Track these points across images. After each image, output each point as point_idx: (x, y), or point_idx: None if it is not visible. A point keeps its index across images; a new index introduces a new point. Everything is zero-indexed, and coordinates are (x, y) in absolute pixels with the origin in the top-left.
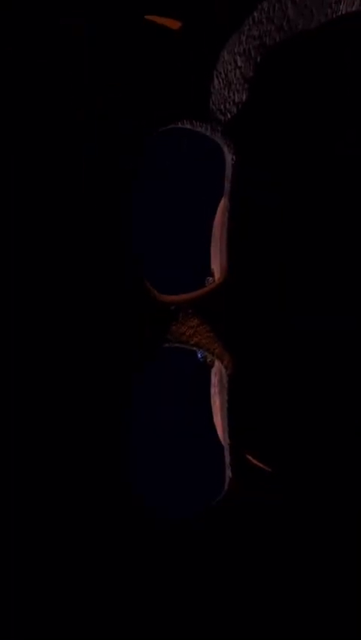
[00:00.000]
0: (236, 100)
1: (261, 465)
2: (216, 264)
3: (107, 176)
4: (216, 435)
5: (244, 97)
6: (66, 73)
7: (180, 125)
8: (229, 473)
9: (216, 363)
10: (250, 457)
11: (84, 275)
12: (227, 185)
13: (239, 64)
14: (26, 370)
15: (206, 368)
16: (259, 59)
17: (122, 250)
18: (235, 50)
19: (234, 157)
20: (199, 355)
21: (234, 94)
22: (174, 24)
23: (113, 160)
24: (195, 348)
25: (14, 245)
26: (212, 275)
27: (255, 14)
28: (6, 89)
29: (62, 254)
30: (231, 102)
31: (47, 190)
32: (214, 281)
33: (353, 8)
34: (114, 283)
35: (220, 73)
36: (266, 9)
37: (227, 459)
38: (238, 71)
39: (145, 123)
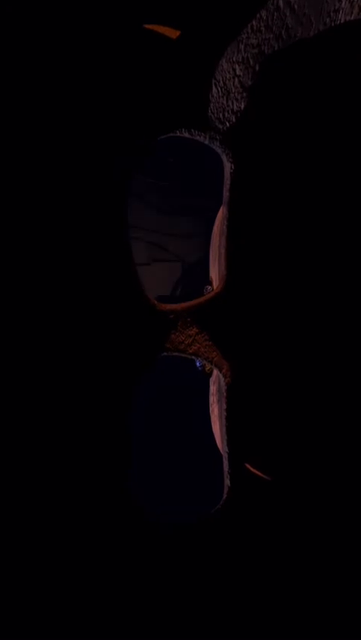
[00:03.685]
0: (235, 109)
1: (260, 474)
2: (215, 273)
3: (107, 179)
4: (215, 444)
5: (242, 106)
6: (66, 73)
7: (178, 134)
8: (227, 482)
9: (215, 371)
10: (248, 466)
11: (82, 284)
12: (226, 194)
13: (238, 72)
14: (25, 379)
15: (204, 377)
16: (257, 68)
17: (120, 258)
18: (234, 59)
19: (232, 166)
20: (198, 364)
21: (232, 103)
22: (173, 33)
23: (113, 162)
24: (193, 357)
25: (12, 248)
26: (210, 283)
27: (253, 23)
28: (6, 89)
29: (59, 262)
30: (229, 111)
31: (46, 193)
32: (213, 289)
33: (352, 17)
34: (113, 292)
35: (219, 82)
36: (265, 17)
37: (226, 468)
38: (236, 79)
39: (144, 130)
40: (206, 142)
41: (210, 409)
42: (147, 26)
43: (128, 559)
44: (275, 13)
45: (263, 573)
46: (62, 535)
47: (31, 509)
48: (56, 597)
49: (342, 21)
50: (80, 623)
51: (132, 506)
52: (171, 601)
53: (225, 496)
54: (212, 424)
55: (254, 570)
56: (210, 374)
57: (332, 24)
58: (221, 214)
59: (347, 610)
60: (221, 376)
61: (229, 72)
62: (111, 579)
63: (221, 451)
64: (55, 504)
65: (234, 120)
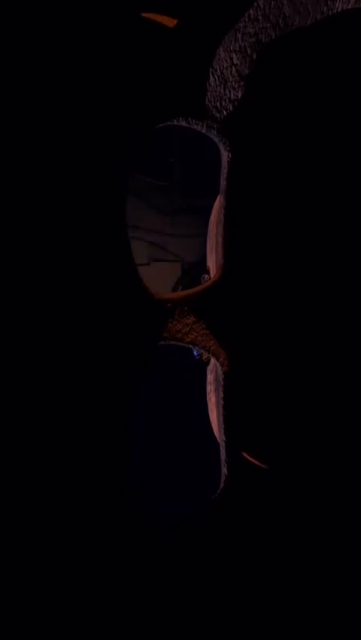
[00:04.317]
0: (232, 97)
1: (257, 463)
2: (212, 262)
3: (107, 176)
4: (212, 432)
5: (239, 94)
6: (65, 67)
7: (175, 122)
8: (224, 470)
9: (212, 360)
10: (245, 454)
11: (79, 274)
12: (223, 183)
13: (235, 61)
14: (21, 371)
15: (202, 365)
16: (255, 57)
17: (117, 247)
18: (231, 48)
19: (230, 155)
20: (195, 353)
21: (230, 91)
22: (170, 22)
23: (113, 160)
24: (190, 346)
25: (12, 245)
26: (208, 272)
27: (251, 11)
28: (6, 89)
29: (58, 254)
30: (227, 100)
31: (45, 191)
32: (210, 278)
33: (349, 6)
34: (110, 281)
35: (216, 70)
36: (262, 6)
37: (223, 457)
38: (233, 68)
39: (141, 120)
40: (203, 131)
41: (208, 397)
42: (144, 14)
43: (128, 559)
44: (272, 2)
45: (261, 563)
46: (62, 535)
47: (30, 509)
48: (56, 597)
49: (339, 9)
50: (80, 623)
51: (132, 506)
52: (171, 601)
53: (222, 485)
54: (209, 412)
55: (252, 560)
56: (207, 363)
57: (330, 13)
58: (218, 203)
59: (347, 602)
60: (218, 364)
61: (226, 61)
62: (111, 579)
63: (218, 440)
64: (55, 503)
65: (231, 108)
